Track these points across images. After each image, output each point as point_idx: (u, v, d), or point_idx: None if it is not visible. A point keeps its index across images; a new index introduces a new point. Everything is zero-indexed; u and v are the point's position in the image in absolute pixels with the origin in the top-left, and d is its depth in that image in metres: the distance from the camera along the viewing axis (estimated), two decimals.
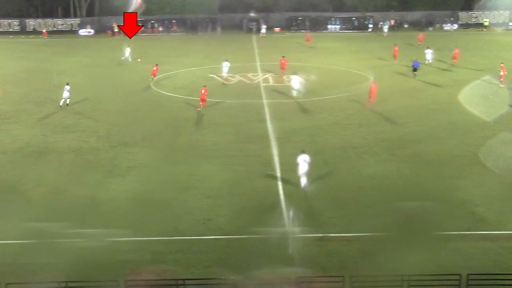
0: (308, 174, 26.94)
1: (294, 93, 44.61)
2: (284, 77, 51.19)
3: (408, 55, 58.32)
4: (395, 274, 18.32)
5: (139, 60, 60.00)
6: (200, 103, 40.72)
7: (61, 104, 41.91)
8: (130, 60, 60.99)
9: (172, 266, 20.44)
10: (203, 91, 40.74)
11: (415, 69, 51.78)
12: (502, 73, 47.54)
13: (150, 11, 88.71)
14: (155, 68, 50.59)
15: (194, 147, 33.36)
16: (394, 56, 59.52)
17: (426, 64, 55.66)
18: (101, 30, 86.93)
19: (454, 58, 56.70)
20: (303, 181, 26.97)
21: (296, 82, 44.87)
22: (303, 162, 26.89)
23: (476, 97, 44.33)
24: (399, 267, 19.04)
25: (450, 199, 25.83)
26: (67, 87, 42.37)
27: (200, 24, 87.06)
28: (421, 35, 72.49)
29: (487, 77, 50.14)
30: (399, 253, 20.64)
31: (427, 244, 20.94)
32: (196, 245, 22.12)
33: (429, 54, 56.78)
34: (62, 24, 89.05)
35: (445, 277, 18.68)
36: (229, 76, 52.58)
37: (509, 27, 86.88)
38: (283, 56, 53.66)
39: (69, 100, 42.30)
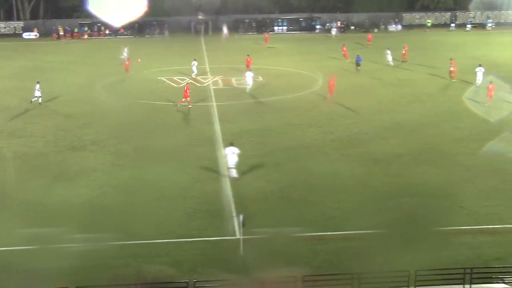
0: (237, 165, 28.47)
1: (247, 89, 46.81)
2: (234, 79, 51.59)
3: (362, 55, 59.02)
4: (348, 273, 18.56)
5: (139, 60, 59.08)
6: (183, 99, 41.85)
7: (32, 100, 43.00)
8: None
9: (123, 271, 20.26)
10: (185, 88, 42.70)
11: (358, 64, 54.85)
12: (452, 69, 50.24)
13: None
14: (127, 63, 55.16)
15: (145, 151, 33.12)
16: (344, 56, 60.86)
17: (388, 65, 56.99)
18: (46, 33, 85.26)
19: (403, 55, 59.25)
20: (232, 172, 28.33)
21: (249, 78, 47.35)
22: (232, 154, 28.41)
23: (424, 96, 45.33)
24: (354, 266, 19.39)
25: (397, 197, 26.33)
26: (38, 86, 42.96)
27: (147, 27, 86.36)
28: (370, 36, 74.87)
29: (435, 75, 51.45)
30: (361, 252, 21.10)
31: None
32: (148, 249, 21.95)
33: (389, 56, 57.87)
34: (5, 28, 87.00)
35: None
36: (198, 76, 53.38)
37: (451, 28, 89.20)
38: (248, 55, 55.35)
39: (41, 99, 43.16)
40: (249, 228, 21.72)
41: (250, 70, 49.39)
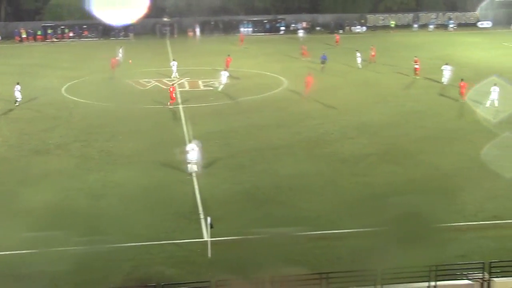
0: (199, 161, 29.56)
1: (220, 88, 48.06)
2: (200, 81, 51.64)
3: (330, 56, 59.34)
4: (317, 273, 18.64)
5: (130, 61, 59.73)
6: (170, 101, 42.73)
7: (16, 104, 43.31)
8: (121, 61, 60.31)
9: (89, 276, 20.03)
10: (171, 89, 43.50)
11: (323, 62, 56.38)
12: (416, 66, 52.61)
13: (60, 16, 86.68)
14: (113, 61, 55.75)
15: (110, 154, 32.86)
16: (303, 55, 62.28)
17: (357, 67, 57.28)
18: (8, 36, 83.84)
19: (372, 56, 60.06)
20: (192, 167, 29.30)
21: (224, 78, 48.63)
22: (192, 150, 29.50)
23: (389, 96, 45.83)
24: (321, 266, 19.48)
25: (362, 197, 26.62)
26: (18, 87, 43.14)
27: (112, 29, 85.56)
28: (338, 37, 75.82)
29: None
30: (331, 251, 21.16)
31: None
32: (114, 253, 21.72)
33: (359, 58, 58.17)
34: None
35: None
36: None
37: (414, 29, 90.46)
38: (229, 55, 56.15)
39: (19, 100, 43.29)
40: (217, 230, 21.72)
41: (226, 70, 50.18)
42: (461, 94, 43.09)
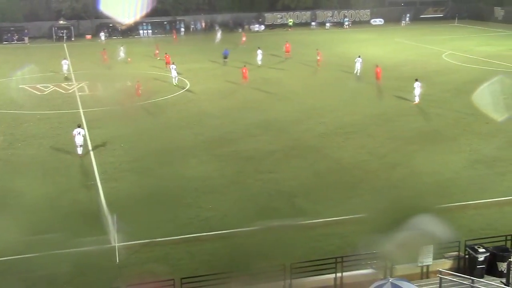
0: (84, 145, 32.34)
1: (174, 81, 50.35)
2: (100, 84, 51.06)
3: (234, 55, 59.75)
4: (226, 272, 18.75)
5: (129, 59, 60.86)
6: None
7: None
8: (129, 60, 61.35)
9: None
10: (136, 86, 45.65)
11: (225, 57, 59.26)
12: (318, 58, 57.51)
13: None
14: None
15: (8, 162, 31.77)
16: (155, 54, 64.86)
17: (257, 65, 57.78)
18: None
19: (286, 51, 63.14)
20: (79, 150, 32.06)
21: (174, 71, 50.57)
22: (78, 134, 32.15)
23: (289, 94, 46.68)
24: (225, 266, 19.66)
25: (270, 192, 27.07)
26: None
27: (4, 33, 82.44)
28: (244, 35, 78.22)
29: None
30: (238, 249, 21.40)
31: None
32: (17, 265, 21.04)
33: (259, 55, 58.78)
34: None
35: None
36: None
37: (312, 27, 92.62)
38: (166, 53, 57.47)
39: None
40: (125, 235, 21.49)
41: (173, 63, 51.78)
42: (377, 78, 48.85)
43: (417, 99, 42.11)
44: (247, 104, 43.62)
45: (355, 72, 52.23)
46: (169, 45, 74.69)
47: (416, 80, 42.70)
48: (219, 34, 79.83)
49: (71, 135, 33.02)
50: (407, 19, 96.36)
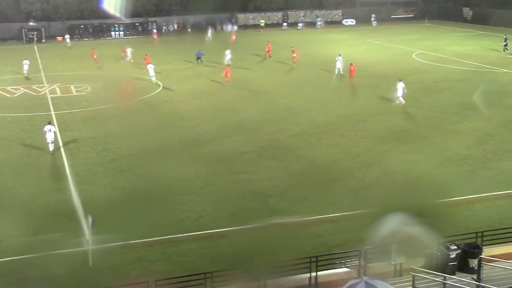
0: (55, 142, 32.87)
1: (153, 79, 51.21)
2: (72, 86, 50.59)
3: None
4: (201, 273, 18.75)
5: (132, 61, 60.64)
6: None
7: None
8: (132, 61, 60.81)
9: None
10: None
11: (198, 58, 60.14)
12: (294, 55, 58.38)
13: None
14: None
15: None
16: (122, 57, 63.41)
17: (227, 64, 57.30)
18: None
19: (267, 51, 63.87)
20: (50, 147, 32.57)
21: (151, 70, 51.40)
22: (49, 131, 32.56)
23: (262, 94, 46.80)
24: (204, 266, 19.66)
25: (244, 193, 27.13)
26: None
27: None
28: (234, 34, 79.20)
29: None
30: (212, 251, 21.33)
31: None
32: None
33: (228, 55, 58.57)
34: None
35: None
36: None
37: (284, 27, 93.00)
38: (146, 54, 56.59)
39: None
40: (99, 237, 21.37)
41: (150, 63, 52.48)
42: (350, 77, 50.16)
43: (402, 100, 41.86)
44: (221, 104, 43.58)
45: (336, 71, 52.30)
46: (145, 47, 74.57)
47: (400, 80, 42.73)
48: (209, 33, 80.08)
49: (42, 132, 32.87)
50: (372, 19, 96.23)
